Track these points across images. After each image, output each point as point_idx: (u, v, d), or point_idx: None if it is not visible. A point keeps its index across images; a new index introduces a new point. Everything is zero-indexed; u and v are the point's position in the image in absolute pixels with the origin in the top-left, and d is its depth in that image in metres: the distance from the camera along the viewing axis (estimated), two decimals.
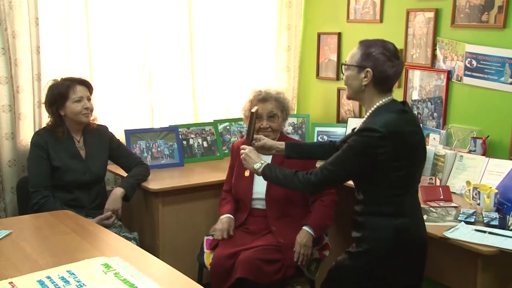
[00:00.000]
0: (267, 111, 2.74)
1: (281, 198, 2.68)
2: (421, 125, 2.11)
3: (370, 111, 2.04)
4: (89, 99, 2.79)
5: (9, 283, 1.65)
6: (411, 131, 2.00)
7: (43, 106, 3.07)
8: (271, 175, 2.17)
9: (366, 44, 2.04)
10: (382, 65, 1.98)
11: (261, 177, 2.25)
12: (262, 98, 2.75)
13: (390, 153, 1.93)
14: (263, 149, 2.39)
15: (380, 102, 2.02)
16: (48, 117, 2.80)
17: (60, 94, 2.73)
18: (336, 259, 2.21)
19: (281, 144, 2.39)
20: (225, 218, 2.73)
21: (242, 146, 2.31)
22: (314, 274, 2.78)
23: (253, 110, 2.33)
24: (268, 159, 2.66)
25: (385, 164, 1.95)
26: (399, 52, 2.06)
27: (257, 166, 2.20)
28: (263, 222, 2.70)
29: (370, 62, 1.99)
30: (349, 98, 2.13)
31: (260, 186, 2.72)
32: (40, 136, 2.77)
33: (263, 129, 2.73)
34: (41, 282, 1.67)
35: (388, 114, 1.96)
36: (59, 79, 2.80)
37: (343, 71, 2.10)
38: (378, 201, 2.02)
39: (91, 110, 2.80)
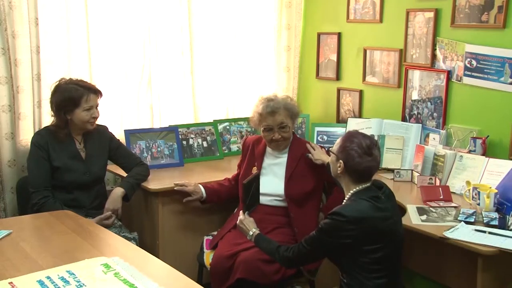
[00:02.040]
0: (277, 123, 2.71)
1: (301, 196, 2.72)
2: (396, 209, 2.28)
3: (346, 197, 2.21)
4: (97, 107, 2.78)
5: (9, 283, 1.65)
6: (381, 216, 2.12)
7: (43, 106, 3.08)
8: (258, 245, 2.41)
9: (347, 137, 2.24)
10: (352, 160, 2.16)
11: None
12: (271, 111, 2.70)
13: (355, 237, 2.07)
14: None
15: (355, 189, 2.18)
16: (52, 116, 2.78)
17: (72, 100, 2.69)
18: None
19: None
20: (199, 184, 2.87)
21: (240, 214, 2.50)
22: (313, 274, 2.78)
23: (244, 182, 2.47)
24: (284, 159, 2.78)
25: (352, 247, 2.10)
26: (375, 147, 2.20)
27: (248, 236, 2.44)
28: (267, 219, 2.69)
29: (343, 155, 2.19)
30: (333, 177, 2.33)
31: (269, 183, 2.73)
32: (40, 136, 2.76)
33: (275, 140, 2.73)
34: (41, 282, 1.66)
35: (359, 201, 2.13)
36: (68, 80, 2.75)
37: (329, 154, 2.37)
38: (361, 284, 2.12)
39: (97, 118, 2.79)
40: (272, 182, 2.75)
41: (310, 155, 2.74)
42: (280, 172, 2.76)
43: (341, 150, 2.21)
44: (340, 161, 2.19)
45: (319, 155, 2.73)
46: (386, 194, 2.21)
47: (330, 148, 2.32)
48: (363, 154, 2.16)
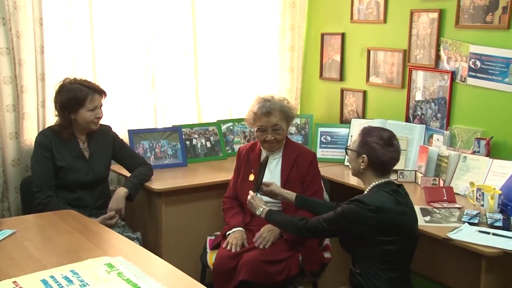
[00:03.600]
0: (272, 124, 2.70)
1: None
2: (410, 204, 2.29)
3: (367, 189, 2.25)
4: (101, 107, 2.78)
5: (13, 282, 1.65)
6: (400, 210, 2.17)
7: (47, 105, 3.08)
8: (269, 219, 2.45)
9: (365, 132, 2.27)
10: (375, 152, 2.20)
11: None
12: (266, 112, 2.70)
13: (373, 226, 2.11)
14: (270, 195, 2.61)
15: (376, 182, 2.23)
16: (56, 115, 2.78)
17: (77, 100, 2.69)
18: None
19: (287, 193, 2.60)
20: (238, 231, 2.67)
21: (250, 193, 2.53)
22: (317, 276, 2.77)
23: (263, 160, 2.53)
24: (277, 165, 2.77)
25: (368, 236, 2.13)
26: (394, 138, 2.27)
27: (258, 212, 2.47)
28: (263, 224, 2.68)
29: (365, 149, 2.22)
30: (353, 175, 2.35)
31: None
32: (44, 136, 2.77)
33: (268, 141, 2.72)
34: (44, 282, 1.67)
35: (381, 193, 2.18)
36: (72, 80, 2.75)
37: (347, 152, 2.37)
38: (374, 275, 2.15)
39: (101, 118, 2.80)
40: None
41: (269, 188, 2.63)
42: (275, 176, 2.75)
43: (362, 145, 2.23)
44: (363, 155, 2.21)
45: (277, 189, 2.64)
46: (405, 191, 2.26)
47: (348, 146, 2.34)
48: (385, 145, 2.21)
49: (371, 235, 2.12)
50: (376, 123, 3.42)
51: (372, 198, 2.15)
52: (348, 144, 2.36)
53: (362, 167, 2.23)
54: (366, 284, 2.16)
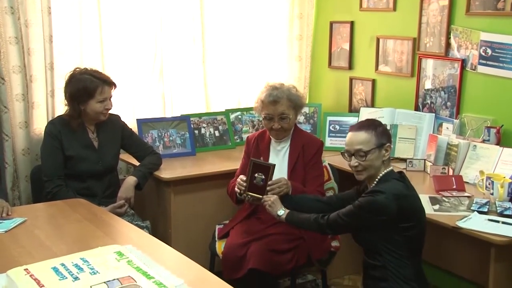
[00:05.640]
0: (278, 113, 2.68)
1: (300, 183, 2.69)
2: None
3: (375, 181, 2.22)
4: (110, 98, 2.77)
5: (24, 269, 1.66)
6: (412, 195, 2.20)
7: (56, 95, 3.09)
8: (293, 220, 2.39)
9: (370, 126, 2.23)
10: (390, 135, 2.26)
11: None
12: (273, 101, 2.67)
13: (393, 214, 2.11)
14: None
15: (383, 172, 2.22)
16: (65, 105, 2.78)
17: (86, 91, 2.68)
18: None
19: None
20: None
21: (265, 197, 2.48)
22: (325, 264, 2.78)
23: (272, 166, 2.49)
24: (285, 153, 2.74)
25: (390, 225, 2.13)
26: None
27: (280, 213, 2.42)
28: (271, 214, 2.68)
29: (385, 138, 2.22)
30: (365, 179, 2.26)
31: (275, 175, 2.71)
32: (53, 125, 2.77)
33: (275, 129, 2.71)
34: (55, 269, 1.68)
35: (392, 181, 2.18)
36: (83, 70, 2.74)
37: (360, 160, 2.19)
38: (400, 265, 2.14)
39: (110, 109, 2.80)
40: (275, 176, 2.71)
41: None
42: (282, 165, 2.74)
43: (381, 135, 2.20)
44: (387, 144, 2.20)
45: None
46: (405, 175, 2.26)
47: (363, 152, 2.18)
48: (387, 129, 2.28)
49: (393, 223, 2.11)
50: (385, 112, 3.41)
51: (387, 187, 2.13)
52: (361, 150, 2.19)
53: (386, 157, 2.19)
54: (393, 275, 2.13)
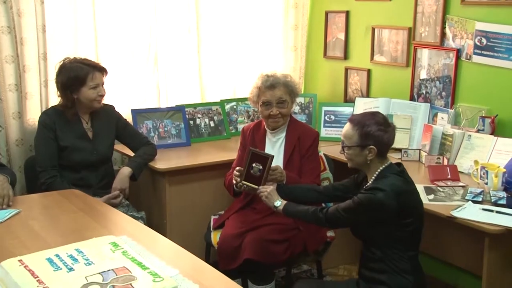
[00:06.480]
0: (276, 98, 2.67)
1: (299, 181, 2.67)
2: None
3: (374, 175, 2.20)
4: (103, 85, 2.77)
5: (19, 260, 1.66)
6: (411, 190, 2.19)
7: (49, 85, 3.07)
8: (290, 212, 2.36)
9: (359, 123, 2.19)
10: (381, 139, 2.17)
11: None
12: (270, 85, 2.68)
13: (394, 212, 2.09)
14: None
15: (381, 167, 2.20)
16: (58, 96, 2.77)
17: (78, 79, 2.68)
18: None
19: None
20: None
21: (261, 188, 2.45)
22: (321, 255, 2.78)
23: (270, 157, 2.47)
24: (281, 144, 2.73)
25: (390, 221, 2.11)
26: (388, 118, 2.25)
27: (277, 204, 2.39)
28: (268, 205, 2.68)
29: (371, 140, 2.16)
30: (352, 168, 2.28)
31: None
32: (47, 115, 2.76)
33: (273, 116, 2.70)
34: (50, 260, 1.67)
35: (391, 176, 2.16)
36: (72, 59, 2.74)
37: (344, 151, 2.25)
38: (397, 259, 2.14)
39: (104, 96, 2.79)
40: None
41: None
42: (278, 157, 2.72)
43: (364, 137, 2.16)
44: (371, 147, 2.15)
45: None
46: (405, 168, 2.24)
47: (344, 146, 2.23)
48: (385, 128, 2.17)
49: (393, 220, 2.11)
50: (380, 102, 3.41)
51: (387, 184, 2.11)
52: (343, 142, 2.22)
53: (370, 158, 2.17)
54: (390, 268, 2.13)
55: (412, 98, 3.39)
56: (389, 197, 2.08)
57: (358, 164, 2.23)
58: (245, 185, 2.52)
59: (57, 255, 1.70)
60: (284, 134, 2.76)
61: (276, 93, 2.68)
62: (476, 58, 2.99)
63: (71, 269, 1.62)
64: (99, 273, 1.60)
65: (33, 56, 3.00)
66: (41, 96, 3.07)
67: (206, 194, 3.09)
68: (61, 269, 1.62)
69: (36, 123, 2.82)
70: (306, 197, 2.49)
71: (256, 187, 2.48)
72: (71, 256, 1.70)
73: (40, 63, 3.03)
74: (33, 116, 3.04)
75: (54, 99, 2.99)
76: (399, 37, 3.44)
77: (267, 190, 2.44)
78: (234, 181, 2.59)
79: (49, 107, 2.94)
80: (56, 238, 1.94)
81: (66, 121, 2.75)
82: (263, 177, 2.48)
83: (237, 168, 2.58)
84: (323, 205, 2.63)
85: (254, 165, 2.49)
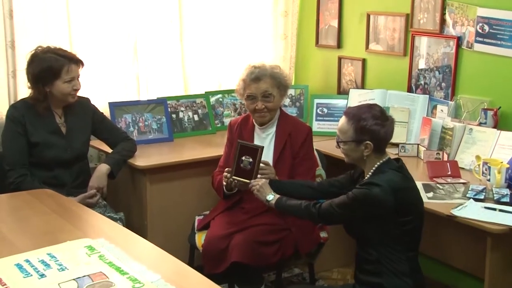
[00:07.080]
0: (261, 91, 2.67)
1: (289, 178, 2.68)
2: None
3: (371, 171, 2.21)
4: (78, 78, 2.74)
5: None
6: (410, 186, 2.20)
7: (18, 76, 3.03)
8: (283, 206, 2.39)
9: (355, 117, 2.19)
10: (378, 134, 2.17)
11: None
12: (255, 78, 2.67)
13: (390, 208, 2.10)
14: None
15: (379, 162, 2.21)
16: (29, 88, 2.74)
17: (51, 71, 2.64)
18: None
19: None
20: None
21: (253, 181, 2.48)
22: (313, 258, 2.79)
23: (260, 149, 2.49)
24: (270, 139, 2.72)
25: (387, 219, 2.12)
26: (386, 111, 2.26)
27: (269, 198, 2.42)
28: (256, 200, 2.67)
29: (367, 135, 2.17)
30: (348, 163, 2.31)
31: None
32: (16, 109, 2.73)
33: (258, 110, 2.69)
34: (19, 266, 1.67)
35: (389, 172, 2.17)
36: (46, 48, 2.70)
37: (339, 146, 2.27)
38: (394, 259, 2.14)
39: (79, 90, 2.76)
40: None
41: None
42: (267, 154, 2.72)
43: (360, 132, 2.16)
44: (367, 142, 2.16)
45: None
46: (404, 164, 2.24)
47: (339, 141, 2.24)
48: (382, 122, 2.18)
49: (390, 217, 2.11)
50: (376, 93, 3.42)
51: (384, 180, 2.12)
52: (338, 137, 2.24)
53: (367, 153, 2.18)
54: (387, 270, 2.13)
55: (409, 90, 3.40)
56: (385, 192, 2.09)
57: (355, 159, 2.25)
58: (236, 181, 2.52)
59: (27, 261, 1.69)
60: (274, 129, 2.76)
61: (261, 86, 2.67)
62: (477, 47, 3.01)
63: (42, 276, 1.62)
64: (74, 279, 1.59)
65: (0, 44, 2.96)
66: (9, 87, 3.04)
67: (190, 193, 3.09)
68: (31, 275, 1.62)
69: (4, 118, 2.78)
70: (299, 193, 2.50)
71: (248, 181, 2.49)
72: (42, 261, 1.69)
73: (7, 52, 3.00)
74: (0, 110, 3.01)
75: (24, 91, 2.96)
76: (396, 24, 3.45)
77: (259, 183, 2.45)
78: (224, 182, 2.58)
79: (18, 99, 2.91)
80: (26, 242, 1.92)
81: (37, 115, 2.72)
82: (254, 169, 2.49)
83: (226, 169, 2.57)
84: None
85: (243, 158, 2.50)
